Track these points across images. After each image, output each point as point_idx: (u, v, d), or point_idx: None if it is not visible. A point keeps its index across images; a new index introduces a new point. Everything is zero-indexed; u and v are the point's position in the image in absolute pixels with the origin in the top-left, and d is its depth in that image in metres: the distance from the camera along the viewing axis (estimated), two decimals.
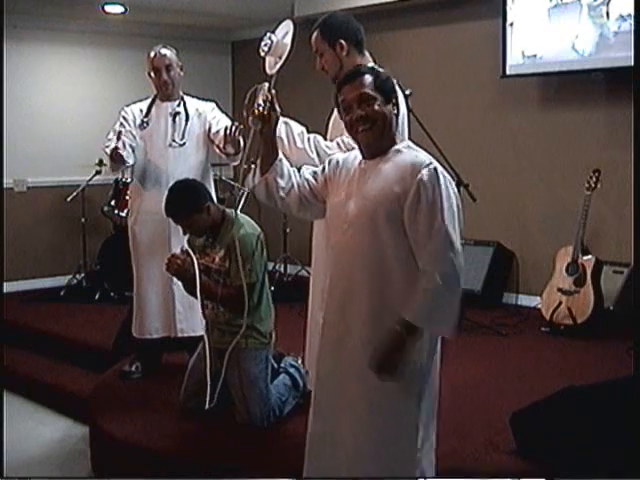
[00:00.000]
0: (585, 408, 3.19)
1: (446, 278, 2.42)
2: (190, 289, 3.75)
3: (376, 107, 2.55)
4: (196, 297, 3.74)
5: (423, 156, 2.54)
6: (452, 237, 2.44)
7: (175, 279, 4.29)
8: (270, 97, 2.74)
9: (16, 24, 6.67)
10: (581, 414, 3.18)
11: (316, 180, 2.78)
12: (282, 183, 2.75)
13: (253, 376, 3.66)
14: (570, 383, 3.35)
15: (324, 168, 2.78)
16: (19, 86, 6.89)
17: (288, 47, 2.89)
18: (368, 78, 2.58)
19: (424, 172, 2.46)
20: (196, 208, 3.70)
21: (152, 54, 4.43)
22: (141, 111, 4.49)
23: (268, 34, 2.93)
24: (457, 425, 3.65)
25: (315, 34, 3.41)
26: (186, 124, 4.46)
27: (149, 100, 4.54)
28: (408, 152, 2.57)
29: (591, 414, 3.16)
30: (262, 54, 2.94)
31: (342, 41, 3.35)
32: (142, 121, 4.44)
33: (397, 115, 2.62)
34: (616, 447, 3.04)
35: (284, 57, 2.89)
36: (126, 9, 6.59)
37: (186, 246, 3.75)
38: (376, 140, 2.58)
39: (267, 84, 2.79)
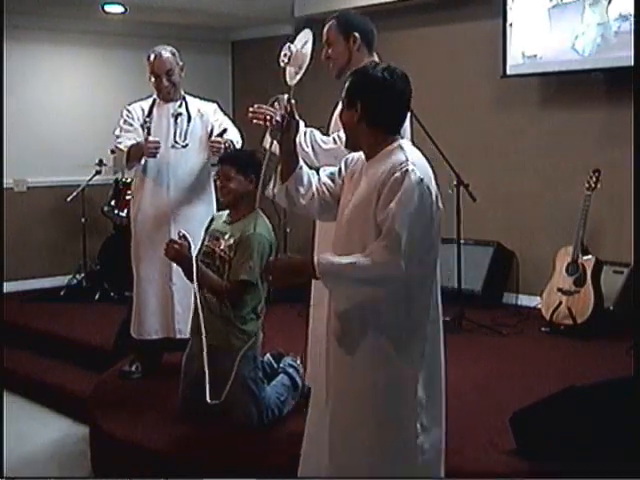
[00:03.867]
0: (585, 408, 3.19)
1: (375, 271, 2.40)
2: (189, 275, 3.76)
3: (345, 112, 2.59)
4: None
5: (404, 156, 2.49)
6: (401, 240, 2.38)
7: (174, 279, 4.29)
8: (290, 108, 2.74)
9: (17, 24, 6.66)
10: (581, 414, 3.18)
11: (333, 182, 2.78)
12: (302, 190, 2.75)
13: (242, 377, 3.64)
14: (570, 383, 3.35)
15: (340, 169, 2.78)
16: (19, 86, 6.88)
17: (308, 57, 2.88)
18: (351, 80, 2.60)
19: (397, 174, 2.43)
20: (245, 167, 3.74)
21: (152, 57, 4.38)
22: (143, 110, 4.47)
23: (287, 44, 2.93)
24: (457, 425, 3.64)
25: (330, 23, 3.43)
26: (188, 125, 4.44)
27: (150, 100, 4.52)
28: (395, 152, 2.53)
29: (591, 414, 3.15)
30: (282, 64, 2.93)
31: (356, 34, 3.38)
32: (144, 121, 4.42)
33: (383, 119, 2.57)
34: (616, 447, 3.04)
35: (304, 67, 2.88)
36: (126, 9, 6.58)
37: (183, 231, 3.74)
38: (351, 144, 2.63)
39: (286, 95, 2.79)
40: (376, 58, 3.45)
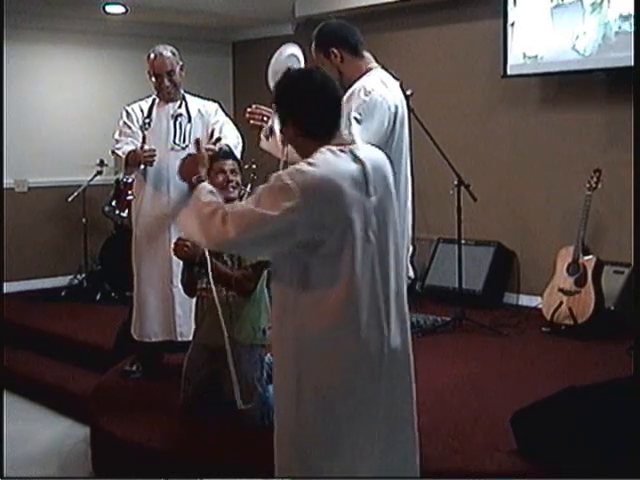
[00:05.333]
0: (586, 408, 3.19)
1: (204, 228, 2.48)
2: (188, 289, 3.75)
3: (283, 130, 2.60)
4: (193, 294, 3.73)
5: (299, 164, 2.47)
6: (247, 217, 2.41)
7: (175, 282, 4.27)
8: None
9: (18, 24, 6.67)
10: (582, 414, 3.18)
11: None
12: None
13: (250, 377, 3.65)
14: (571, 383, 3.35)
15: None
16: (20, 86, 6.89)
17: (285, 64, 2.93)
18: (273, 98, 2.63)
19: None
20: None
21: (152, 56, 4.36)
22: (142, 111, 4.46)
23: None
24: (458, 425, 3.66)
25: (312, 46, 3.41)
26: (188, 126, 4.42)
27: (150, 100, 4.50)
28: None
29: (592, 414, 3.15)
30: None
31: (334, 49, 3.32)
32: (144, 122, 4.40)
33: (296, 134, 2.54)
34: (616, 447, 3.04)
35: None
36: (127, 9, 6.59)
37: None
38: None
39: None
40: (369, 57, 3.40)
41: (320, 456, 2.48)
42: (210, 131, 4.39)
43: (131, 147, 4.31)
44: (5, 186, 6.73)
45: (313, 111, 2.52)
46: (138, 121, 4.42)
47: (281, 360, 2.57)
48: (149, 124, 4.40)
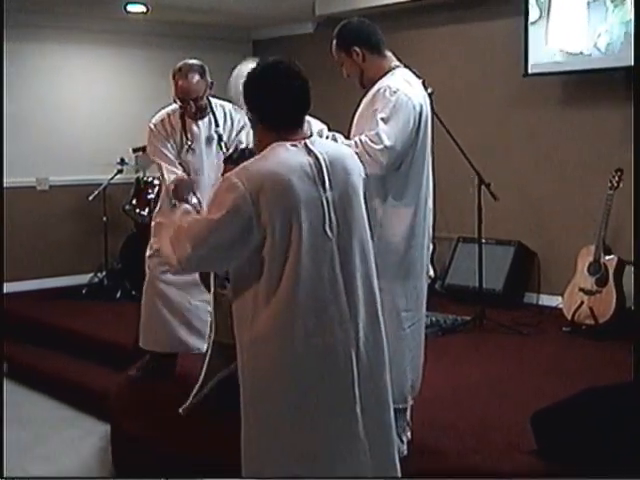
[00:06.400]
0: (606, 408, 3.17)
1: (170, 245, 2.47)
2: (205, 283, 3.75)
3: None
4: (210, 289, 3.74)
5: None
6: (200, 228, 2.41)
7: (192, 300, 4.27)
8: None
9: (38, 23, 6.71)
10: (602, 414, 3.16)
11: None
12: None
13: None
14: (591, 383, 3.34)
15: None
16: (41, 86, 6.93)
17: None
18: None
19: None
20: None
21: (177, 77, 4.15)
22: (168, 119, 4.28)
23: None
24: (477, 425, 3.65)
25: (333, 45, 3.41)
26: (218, 151, 4.28)
27: (177, 118, 4.28)
28: None
29: (612, 414, 3.13)
30: None
31: (356, 48, 3.31)
32: (188, 147, 4.24)
33: (256, 126, 2.56)
34: (637, 447, 3.02)
35: None
36: (148, 8, 6.61)
37: None
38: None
39: None
40: (391, 56, 3.39)
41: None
42: (232, 146, 4.30)
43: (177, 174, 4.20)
44: (26, 184, 6.81)
45: (269, 103, 2.49)
46: (169, 143, 4.25)
47: (241, 368, 2.54)
48: (192, 148, 4.25)
